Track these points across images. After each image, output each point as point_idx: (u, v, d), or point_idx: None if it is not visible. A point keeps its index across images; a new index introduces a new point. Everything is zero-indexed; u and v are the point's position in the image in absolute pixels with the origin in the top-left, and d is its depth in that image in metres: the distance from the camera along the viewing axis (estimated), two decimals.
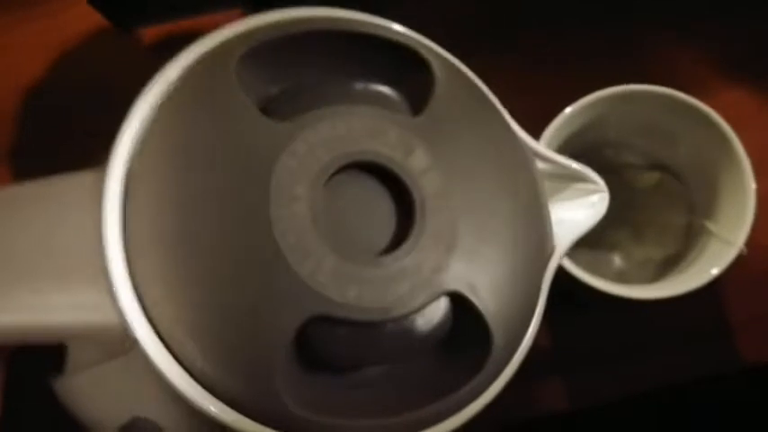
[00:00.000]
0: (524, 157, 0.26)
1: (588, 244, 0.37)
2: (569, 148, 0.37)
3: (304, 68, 0.24)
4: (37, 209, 0.22)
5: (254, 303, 0.20)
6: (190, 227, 0.20)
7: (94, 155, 0.22)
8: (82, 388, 0.25)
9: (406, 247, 0.23)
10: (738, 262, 0.34)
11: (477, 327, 0.23)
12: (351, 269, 0.21)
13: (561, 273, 0.32)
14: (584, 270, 0.34)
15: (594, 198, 0.27)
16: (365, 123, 0.23)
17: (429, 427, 0.23)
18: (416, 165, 0.23)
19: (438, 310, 0.23)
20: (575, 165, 0.27)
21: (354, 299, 0.21)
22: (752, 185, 0.34)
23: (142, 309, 0.20)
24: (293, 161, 0.22)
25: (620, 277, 0.39)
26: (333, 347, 0.22)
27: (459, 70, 0.26)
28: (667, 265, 0.38)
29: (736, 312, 0.40)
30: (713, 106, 0.35)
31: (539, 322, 0.25)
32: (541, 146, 0.27)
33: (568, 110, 0.35)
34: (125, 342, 0.20)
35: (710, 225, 0.37)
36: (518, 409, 0.40)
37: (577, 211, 0.27)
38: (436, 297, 0.23)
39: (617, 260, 0.40)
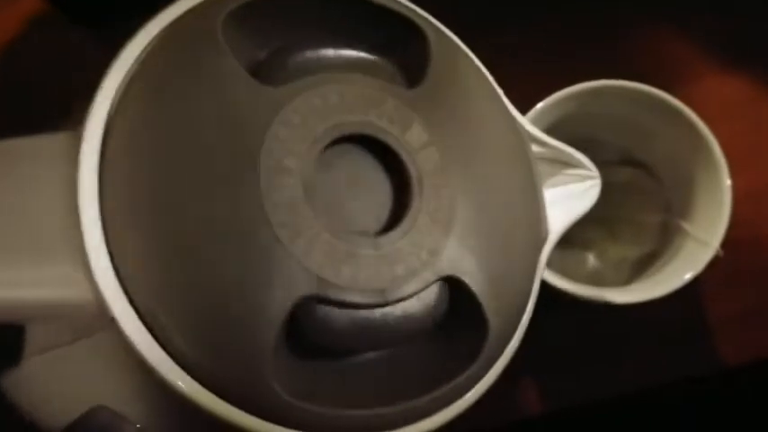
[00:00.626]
0: (520, 138, 0.25)
1: (561, 242, 0.37)
2: None
3: (293, 32, 0.22)
4: (5, 170, 0.19)
5: (242, 281, 0.19)
6: (173, 196, 0.19)
7: (70, 116, 0.20)
8: (37, 375, 0.23)
9: (402, 227, 0.21)
10: (714, 262, 0.34)
11: (473, 312, 0.22)
12: (345, 248, 0.20)
13: None
14: (554, 271, 0.34)
15: (587, 185, 0.27)
16: (360, 93, 0.22)
17: (425, 417, 0.21)
18: (414, 140, 0.22)
19: (433, 293, 0.22)
20: (568, 149, 0.26)
21: (349, 280, 0.20)
22: (727, 182, 0.34)
23: (120, 283, 0.18)
24: (284, 131, 0.20)
25: (595, 277, 0.39)
26: (325, 331, 0.20)
27: (455, 43, 0.25)
28: (642, 264, 0.38)
29: (714, 312, 0.40)
30: (687, 101, 0.35)
31: (533, 308, 0.24)
32: (536, 128, 0.26)
33: (540, 105, 0.35)
34: (96, 322, 0.18)
35: (686, 225, 0.36)
36: (491, 413, 0.38)
37: (569, 196, 0.26)
38: (433, 281, 0.22)
39: (591, 259, 0.40)
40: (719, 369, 0.40)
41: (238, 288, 0.19)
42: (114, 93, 0.19)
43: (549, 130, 0.35)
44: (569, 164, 0.27)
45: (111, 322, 0.18)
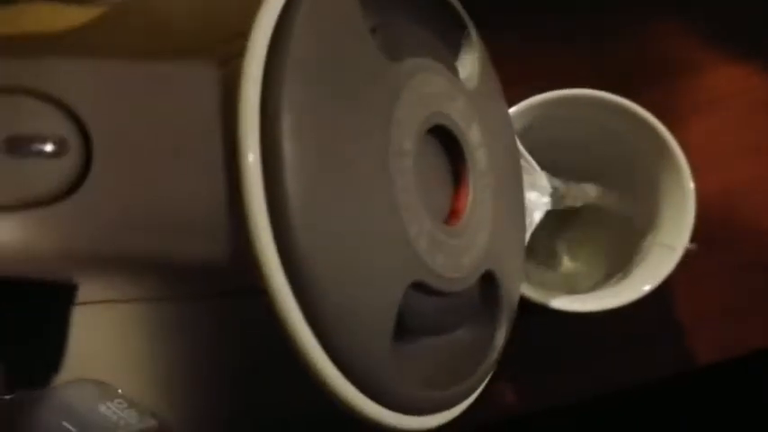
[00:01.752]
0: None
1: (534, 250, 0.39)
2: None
3: (382, 12, 0.22)
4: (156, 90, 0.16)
5: (372, 255, 0.18)
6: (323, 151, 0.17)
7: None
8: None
9: (465, 221, 0.22)
10: (688, 260, 0.34)
11: (496, 305, 0.24)
12: (439, 236, 0.21)
13: None
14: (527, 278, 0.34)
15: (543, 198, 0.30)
16: (444, 84, 0.23)
17: (470, 395, 0.23)
18: (474, 138, 0.23)
19: (477, 285, 0.23)
20: (533, 163, 0.29)
21: (441, 267, 0.21)
22: (690, 186, 0.34)
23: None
24: (404, 112, 0.20)
25: (568, 279, 0.40)
26: (412, 315, 0.20)
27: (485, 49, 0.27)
28: (615, 268, 0.38)
29: (688, 311, 0.40)
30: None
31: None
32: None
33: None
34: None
35: (652, 232, 0.37)
36: (473, 413, 0.39)
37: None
38: (482, 273, 0.23)
39: (565, 260, 0.41)
40: (693, 367, 0.40)
41: (369, 261, 0.18)
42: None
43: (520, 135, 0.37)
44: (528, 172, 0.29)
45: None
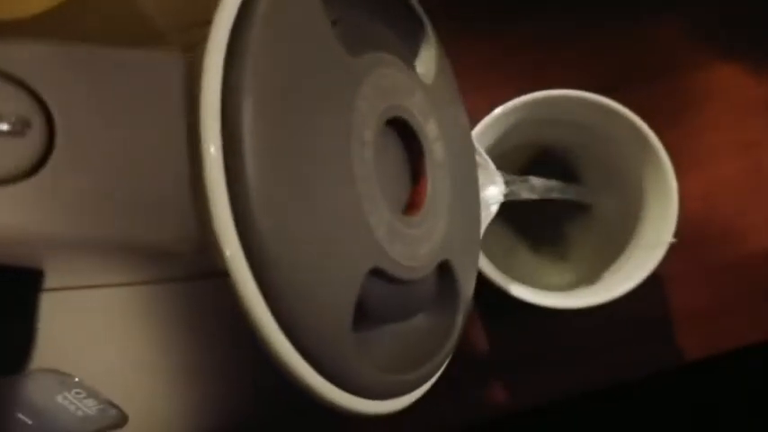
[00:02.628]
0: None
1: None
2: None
3: (349, 4, 0.22)
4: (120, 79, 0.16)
5: (332, 240, 0.19)
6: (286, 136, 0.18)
7: None
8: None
9: (423, 211, 0.23)
10: (673, 254, 0.34)
11: (452, 293, 0.25)
12: (397, 226, 0.21)
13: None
14: (498, 271, 0.34)
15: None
16: (402, 79, 0.23)
17: (429, 380, 0.23)
18: (431, 132, 0.24)
19: (432, 273, 0.24)
20: (486, 157, 0.30)
21: (398, 256, 0.21)
22: (673, 184, 0.34)
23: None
24: (364, 103, 0.20)
25: (552, 276, 0.40)
26: (372, 302, 0.21)
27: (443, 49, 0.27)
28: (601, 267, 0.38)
29: (672, 311, 0.40)
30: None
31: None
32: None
33: (487, 118, 0.35)
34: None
35: (637, 235, 0.37)
36: (459, 414, 0.40)
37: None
38: (438, 262, 0.23)
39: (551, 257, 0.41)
40: (681, 364, 0.40)
41: (330, 240, 0.18)
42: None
43: (502, 137, 0.37)
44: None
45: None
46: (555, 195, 0.36)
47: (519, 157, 0.40)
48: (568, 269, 0.41)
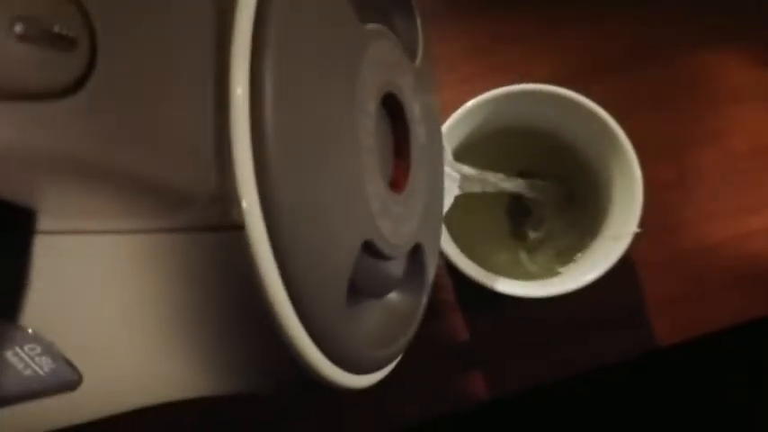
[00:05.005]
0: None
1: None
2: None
3: None
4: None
5: (338, 204, 0.18)
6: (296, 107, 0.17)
7: None
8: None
9: (408, 190, 0.23)
10: (646, 241, 0.35)
11: (420, 275, 0.25)
12: (388, 201, 0.21)
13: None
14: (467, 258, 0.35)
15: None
16: (398, 56, 0.23)
17: (395, 359, 0.23)
18: (416, 114, 0.24)
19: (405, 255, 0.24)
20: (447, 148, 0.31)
21: (386, 231, 0.21)
22: (638, 173, 0.35)
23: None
24: (368, 73, 0.20)
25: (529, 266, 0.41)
26: (359, 275, 0.20)
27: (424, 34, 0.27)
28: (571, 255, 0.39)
29: (648, 295, 0.41)
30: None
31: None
32: None
33: (457, 112, 0.36)
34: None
35: (604, 225, 0.38)
36: (442, 404, 0.40)
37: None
38: (414, 244, 0.24)
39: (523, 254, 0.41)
40: (655, 350, 0.41)
41: (336, 203, 0.18)
42: None
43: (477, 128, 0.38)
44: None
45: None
46: (509, 189, 0.37)
47: (504, 140, 0.40)
48: (544, 259, 0.41)
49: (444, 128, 0.36)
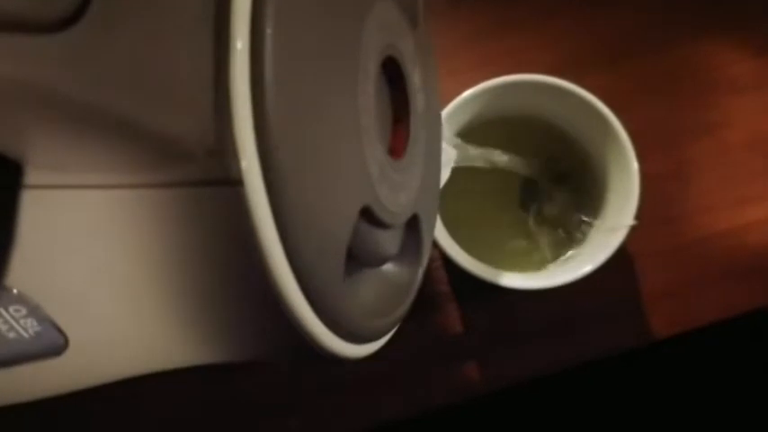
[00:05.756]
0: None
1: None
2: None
3: None
4: None
5: (336, 165, 0.18)
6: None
7: None
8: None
9: (406, 158, 0.22)
10: (641, 234, 0.35)
11: (415, 246, 0.25)
12: (386, 166, 0.21)
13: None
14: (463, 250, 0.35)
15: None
16: (399, 18, 0.22)
17: (390, 331, 0.23)
18: (416, 81, 0.23)
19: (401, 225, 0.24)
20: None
21: (385, 198, 0.20)
22: (634, 165, 0.35)
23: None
24: (369, 36, 0.20)
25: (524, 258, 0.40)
26: (357, 243, 0.20)
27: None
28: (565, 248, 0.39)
29: (645, 287, 0.41)
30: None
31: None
32: None
33: (455, 101, 0.36)
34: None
35: (600, 217, 0.38)
36: (436, 396, 0.40)
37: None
38: (410, 214, 0.23)
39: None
40: (651, 342, 0.40)
41: (334, 165, 0.17)
42: None
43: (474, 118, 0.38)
44: None
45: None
46: (503, 165, 0.37)
47: (501, 129, 0.40)
48: (541, 252, 0.41)
49: (442, 117, 0.35)
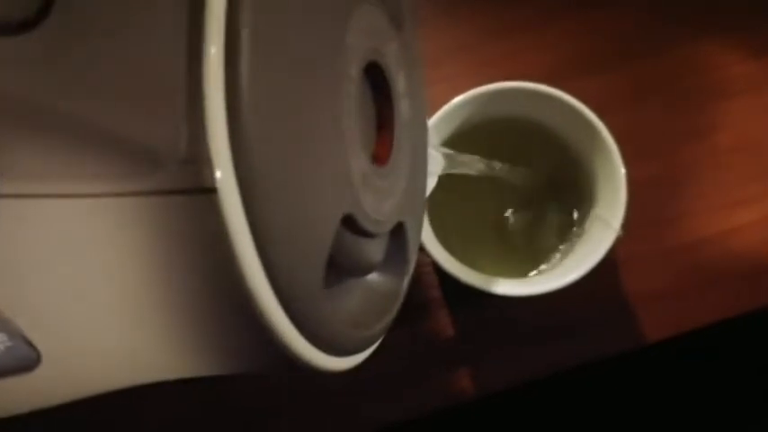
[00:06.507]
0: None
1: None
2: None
3: None
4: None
5: (316, 173, 0.17)
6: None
7: None
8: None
9: (390, 165, 0.22)
10: (632, 238, 0.35)
11: (401, 253, 0.24)
12: (370, 173, 0.20)
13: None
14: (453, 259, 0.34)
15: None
16: (384, 22, 0.22)
17: (376, 342, 0.22)
18: (400, 86, 0.23)
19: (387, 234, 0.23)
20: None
21: (368, 206, 0.20)
22: (622, 171, 0.35)
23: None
24: (353, 38, 0.19)
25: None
26: (339, 252, 0.19)
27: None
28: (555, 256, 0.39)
29: (639, 291, 0.41)
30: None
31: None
32: None
33: (443, 109, 0.36)
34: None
35: (588, 225, 0.38)
36: (428, 401, 0.40)
37: None
38: (396, 221, 0.23)
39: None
40: (641, 346, 0.40)
41: (314, 172, 0.17)
42: None
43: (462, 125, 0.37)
44: None
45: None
46: (490, 173, 0.36)
47: (489, 136, 0.39)
48: (530, 256, 0.40)
49: (432, 122, 0.36)
